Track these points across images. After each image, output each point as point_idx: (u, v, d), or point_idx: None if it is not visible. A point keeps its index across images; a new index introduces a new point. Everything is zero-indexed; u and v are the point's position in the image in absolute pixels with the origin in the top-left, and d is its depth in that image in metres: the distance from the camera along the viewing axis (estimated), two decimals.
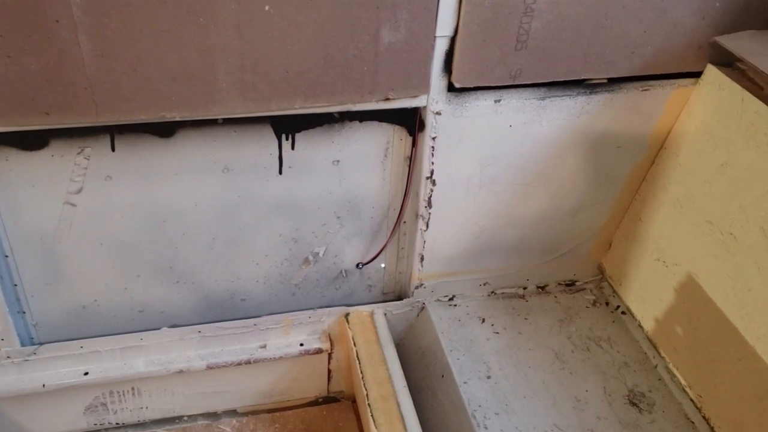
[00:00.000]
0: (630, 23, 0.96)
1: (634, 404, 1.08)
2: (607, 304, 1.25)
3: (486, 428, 1.03)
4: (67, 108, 0.85)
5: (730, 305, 0.99)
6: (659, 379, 1.12)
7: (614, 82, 1.04)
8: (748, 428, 0.97)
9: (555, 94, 1.03)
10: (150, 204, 1.03)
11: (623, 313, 1.23)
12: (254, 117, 0.96)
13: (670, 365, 1.11)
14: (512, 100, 1.02)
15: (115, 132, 0.96)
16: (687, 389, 1.08)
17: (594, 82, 1.03)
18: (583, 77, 1.02)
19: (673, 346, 1.10)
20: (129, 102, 0.87)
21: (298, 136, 1.02)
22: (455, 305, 1.23)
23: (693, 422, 1.06)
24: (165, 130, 0.97)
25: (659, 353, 1.13)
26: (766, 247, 0.93)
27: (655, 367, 1.14)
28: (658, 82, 1.05)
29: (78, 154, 0.96)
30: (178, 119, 0.92)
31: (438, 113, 1.00)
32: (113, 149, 0.97)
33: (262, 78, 0.89)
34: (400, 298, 1.25)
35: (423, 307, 1.23)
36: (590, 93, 1.04)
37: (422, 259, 1.17)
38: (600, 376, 1.12)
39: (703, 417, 1.05)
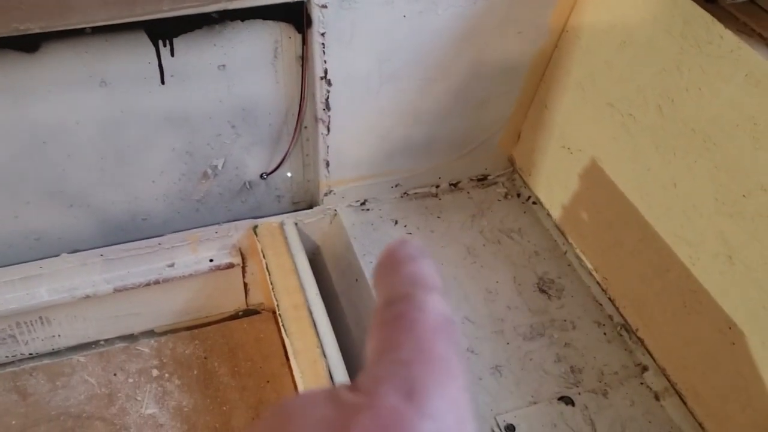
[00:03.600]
0: None
1: (543, 291, 1.09)
2: (518, 195, 1.25)
3: None
4: None
5: (630, 187, 0.99)
6: (568, 265, 1.13)
7: None
8: (648, 304, 0.99)
9: None
10: (26, 124, 0.96)
11: (534, 203, 1.22)
12: (125, 23, 0.89)
13: (578, 251, 1.12)
14: None
15: None
16: (594, 273, 1.09)
17: None
18: None
19: (580, 231, 1.11)
20: None
21: (176, 41, 0.95)
22: (368, 209, 1.21)
23: (601, 304, 1.08)
24: (27, 44, 0.89)
25: (567, 240, 1.14)
26: (662, 125, 0.92)
27: (565, 253, 1.14)
28: None
29: None
30: (37, 31, 0.84)
31: (324, 6, 0.94)
32: None
33: None
34: (311, 206, 1.22)
35: (335, 214, 1.20)
36: None
37: (328, 164, 1.13)
38: (510, 266, 1.12)
39: (609, 298, 1.07)
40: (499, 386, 0.97)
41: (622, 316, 1.05)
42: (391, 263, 0.30)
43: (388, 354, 0.26)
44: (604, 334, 1.05)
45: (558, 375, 1.00)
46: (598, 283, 1.09)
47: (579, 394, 0.98)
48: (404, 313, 0.27)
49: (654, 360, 1.00)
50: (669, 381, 0.98)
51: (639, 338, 1.03)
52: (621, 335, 1.05)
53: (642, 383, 1.00)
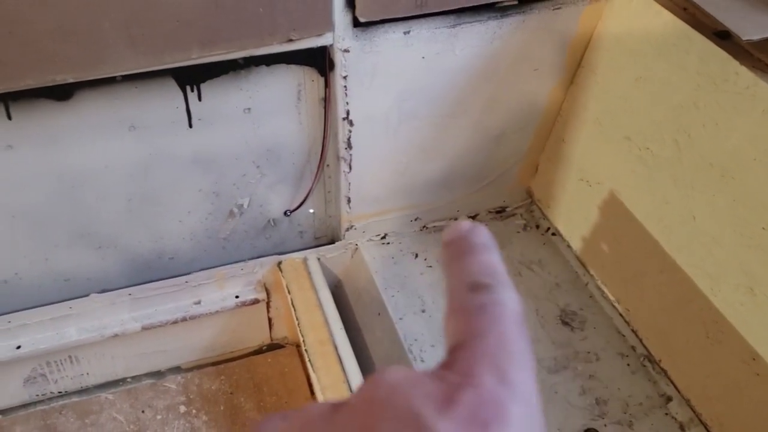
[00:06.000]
0: None
1: (566, 323, 1.10)
2: (537, 227, 1.26)
3: (423, 361, 1.05)
4: None
5: (650, 219, 1.01)
6: (590, 297, 1.14)
7: (525, 4, 1.01)
8: (670, 335, 1.00)
9: (465, 20, 1.00)
10: (57, 170, 0.99)
11: (553, 234, 1.24)
12: (154, 71, 0.92)
13: (599, 282, 1.13)
14: (422, 31, 0.99)
15: (8, 99, 0.91)
16: (616, 304, 1.11)
17: (504, 4, 1.00)
18: (492, 0, 0.99)
19: (601, 263, 1.12)
20: (12, 68, 0.82)
21: (203, 86, 0.98)
22: (388, 243, 1.23)
23: (623, 335, 1.09)
24: (61, 93, 0.92)
25: (588, 271, 1.15)
26: (680, 159, 0.94)
27: (586, 285, 1.16)
28: (570, 0, 1.03)
29: None
30: (70, 81, 0.87)
31: (346, 51, 0.97)
32: (9, 117, 0.92)
33: (151, 30, 0.85)
34: (333, 241, 1.24)
35: (356, 249, 1.22)
36: (501, 17, 1.01)
37: (349, 201, 1.16)
38: (532, 299, 1.14)
39: (632, 329, 1.08)
40: None
41: (645, 347, 1.06)
42: (469, 247, 0.33)
43: (477, 340, 0.29)
44: (628, 365, 1.06)
45: (583, 407, 1.00)
46: (620, 314, 1.10)
47: (605, 425, 0.98)
48: (488, 305, 0.31)
49: (678, 391, 1.01)
50: (694, 411, 0.99)
51: (662, 369, 1.03)
52: (644, 366, 1.05)
53: (667, 414, 1.01)
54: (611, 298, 1.11)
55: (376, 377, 0.29)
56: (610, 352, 1.07)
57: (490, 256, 0.33)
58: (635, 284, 1.05)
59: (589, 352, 1.07)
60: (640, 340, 1.07)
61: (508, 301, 0.31)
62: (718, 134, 0.88)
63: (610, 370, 1.05)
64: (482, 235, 0.34)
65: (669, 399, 1.02)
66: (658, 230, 0.99)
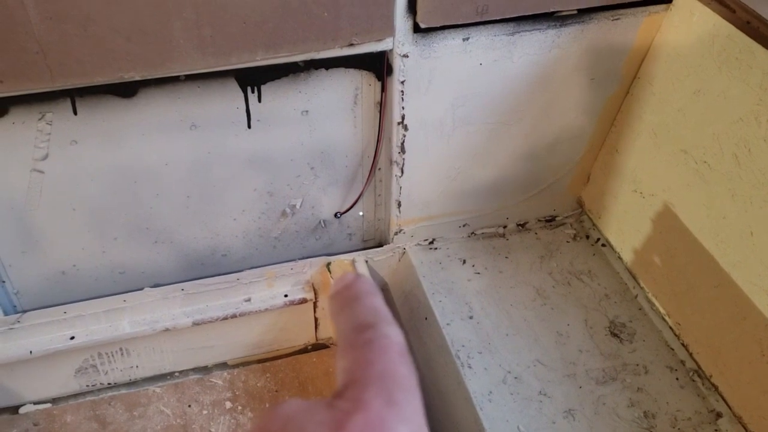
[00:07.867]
0: None
1: (615, 335, 1.10)
2: (587, 237, 1.26)
3: (470, 367, 1.05)
4: (20, 74, 0.83)
5: (705, 233, 1.00)
6: (639, 309, 1.13)
7: (584, 13, 1.01)
8: (722, 351, 0.99)
9: (524, 28, 1.00)
10: (119, 166, 1.02)
11: (603, 245, 1.23)
12: (217, 71, 0.94)
13: (650, 295, 1.13)
14: (481, 38, 0.99)
15: (75, 95, 0.93)
16: (666, 317, 1.10)
17: (564, 14, 1.00)
18: (552, 10, 0.99)
19: (652, 275, 1.11)
20: (84, 64, 0.85)
21: (263, 88, 0.99)
22: (436, 248, 1.24)
23: (672, 349, 1.08)
24: (126, 90, 0.95)
25: (639, 283, 1.15)
26: (739, 173, 0.93)
27: (635, 297, 1.15)
28: (629, 11, 1.03)
29: (39, 119, 0.94)
30: (137, 79, 0.90)
31: (405, 56, 0.98)
32: (75, 113, 0.95)
33: (220, 31, 0.87)
34: (380, 244, 1.25)
35: (404, 252, 1.23)
36: (560, 26, 1.01)
37: (399, 205, 1.16)
38: (581, 309, 1.13)
39: (682, 343, 1.07)
40: (572, 430, 0.98)
41: (695, 361, 1.05)
42: (354, 295, 0.38)
43: (365, 370, 0.32)
44: (677, 379, 1.05)
45: (631, 420, 1.00)
46: (670, 327, 1.09)
47: None
48: (373, 340, 0.34)
49: (729, 407, 1.00)
50: (746, 429, 0.97)
51: (713, 384, 1.02)
52: (694, 381, 1.04)
53: (716, 430, 0.99)
54: (662, 311, 1.10)
55: (271, 410, 0.32)
56: (658, 366, 1.06)
57: (372, 299, 0.37)
58: (687, 298, 1.04)
59: (637, 365, 1.06)
60: (690, 355, 1.06)
61: (392, 335, 0.34)
62: None
63: (659, 383, 1.04)
64: (365, 283, 0.39)
65: (719, 415, 1.00)
66: (713, 245, 0.99)
